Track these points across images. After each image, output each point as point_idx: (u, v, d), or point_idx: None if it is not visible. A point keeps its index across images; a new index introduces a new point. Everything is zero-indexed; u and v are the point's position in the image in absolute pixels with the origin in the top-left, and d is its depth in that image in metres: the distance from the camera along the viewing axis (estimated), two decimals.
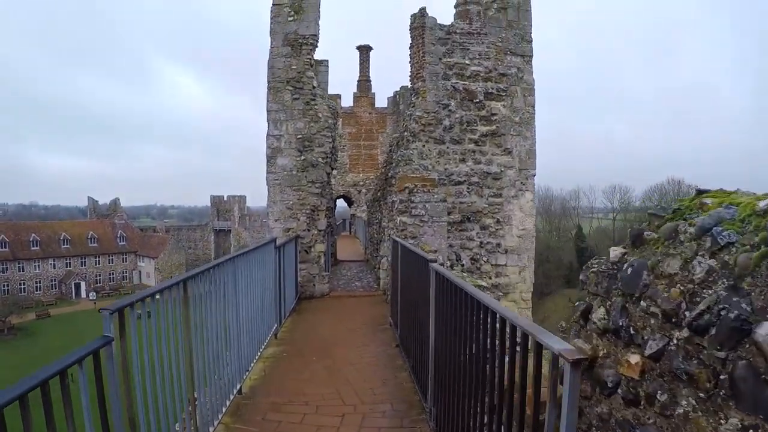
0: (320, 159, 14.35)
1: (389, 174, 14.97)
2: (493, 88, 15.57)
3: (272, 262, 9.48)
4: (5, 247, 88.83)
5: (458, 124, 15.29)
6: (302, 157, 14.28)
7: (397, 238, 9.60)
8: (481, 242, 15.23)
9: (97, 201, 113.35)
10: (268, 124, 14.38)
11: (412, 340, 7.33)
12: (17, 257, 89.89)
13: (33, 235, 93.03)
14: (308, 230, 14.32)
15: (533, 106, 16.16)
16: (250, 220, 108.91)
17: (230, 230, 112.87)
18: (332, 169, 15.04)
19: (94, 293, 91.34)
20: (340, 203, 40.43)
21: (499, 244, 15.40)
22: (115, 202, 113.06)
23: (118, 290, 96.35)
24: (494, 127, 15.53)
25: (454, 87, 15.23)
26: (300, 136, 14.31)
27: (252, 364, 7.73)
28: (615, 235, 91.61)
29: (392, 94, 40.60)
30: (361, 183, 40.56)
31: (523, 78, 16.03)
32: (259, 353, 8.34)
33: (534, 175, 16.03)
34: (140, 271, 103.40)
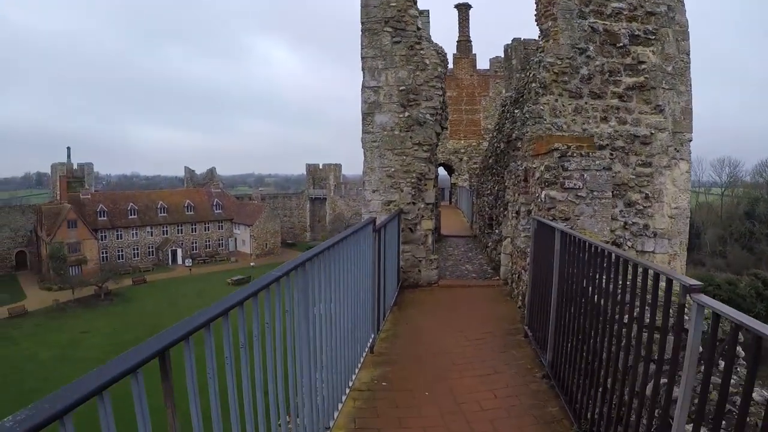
0: (428, 115, 11.60)
1: (513, 135, 12.15)
2: (639, 30, 12.34)
3: (370, 253, 6.96)
4: (104, 216, 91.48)
5: (599, 73, 12.16)
6: (406, 114, 11.60)
7: (547, 221, 6.80)
8: (625, 223, 12.03)
9: (194, 171, 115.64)
10: (363, 73, 11.78)
11: (580, 377, 4.89)
12: (115, 225, 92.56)
13: (131, 204, 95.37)
14: (413, 203, 11.69)
15: (688, 54, 12.77)
16: (346, 188, 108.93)
17: (326, 198, 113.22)
18: (443, 128, 12.13)
19: (190, 260, 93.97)
20: (440, 171, 37.87)
21: (646, 226, 12.12)
22: (211, 172, 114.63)
23: (213, 257, 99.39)
24: (642, 78, 12.26)
25: (592, 27, 12.10)
26: (403, 87, 11.61)
27: (338, 411, 5.25)
28: (722, 211, 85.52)
29: (503, 49, 37.54)
30: (463, 150, 37.95)
31: (675, 18, 12.66)
32: (349, 385, 5.89)
33: (690, 140, 12.68)
34: (236, 239, 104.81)
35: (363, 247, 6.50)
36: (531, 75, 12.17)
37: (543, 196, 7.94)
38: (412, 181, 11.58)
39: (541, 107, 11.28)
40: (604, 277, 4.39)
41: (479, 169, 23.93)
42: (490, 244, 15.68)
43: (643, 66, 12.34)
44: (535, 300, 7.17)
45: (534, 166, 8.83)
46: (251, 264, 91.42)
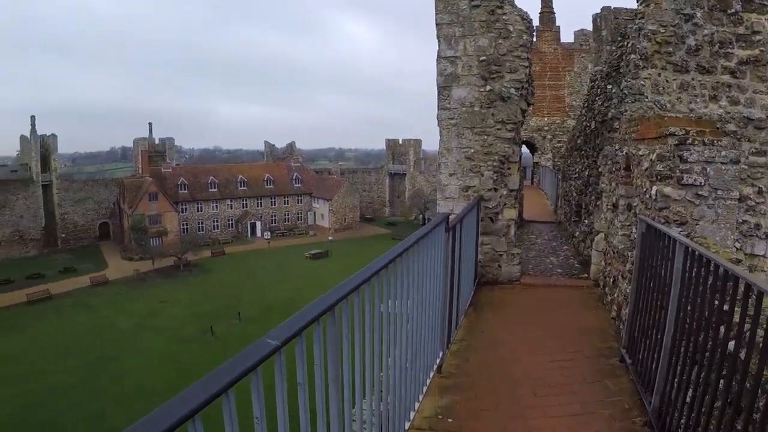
0: (512, 90, 10.11)
1: (608, 114, 10.67)
2: None
3: (441, 257, 5.77)
4: (185, 189, 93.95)
5: (707, 44, 10.46)
6: (487, 88, 10.15)
7: (660, 226, 5.37)
8: None
9: (274, 145, 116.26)
10: (439, 42, 10.42)
11: None
12: (196, 198, 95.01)
13: (211, 177, 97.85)
14: (494, 190, 10.29)
15: None
16: (426, 164, 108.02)
17: (405, 174, 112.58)
18: (528, 104, 10.61)
19: (269, 233, 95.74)
20: (523, 150, 36.12)
21: (758, 225, 10.36)
22: (291, 146, 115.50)
23: (292, 230, 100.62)
24: (756, 51, 10.45)
25: None
26: (483, 57, 10.16)
27: None
28: None
29: (592, 18, 35.30)
30: (546, 128, 36.03)
31: None
32: (410, 418, 4.78)
33: None
34: (314, 213, 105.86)
35: (432, 252, 5.33)
36: (629, 45, 10.58)
37: (654, 192, 6.39)
38: (494, 164, 10.18)
39: (642, 82, 9.82)
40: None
41: (565, 149, 22.28)
42: (577, 234, 14.16)
43: (758, 37, 10.56)
44: (638, 322, 5.79)
45: (640, 153, 7.29)
46: (329, 238, 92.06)
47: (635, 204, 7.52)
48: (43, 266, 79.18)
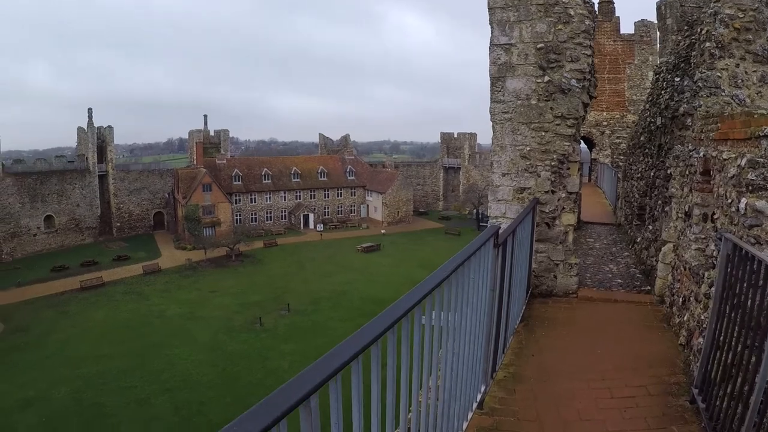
0: (573, 81, 9.05)
1: (679, 110, 9.62)
2: None
3: (488, 277, 4.89)
4: (239, 181, 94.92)
5: None
6: (545, 78, 9.12)
7: (754, 251, 4.34)
8: None
9: (329, 137, 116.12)
10: (492, 28, 9.40)
11: None
12: (250, 190, 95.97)
13: (265, 169, 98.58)
14: (552, 192, 9.26)
15: None
16: (480, 158, 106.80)
17: (460, 168, 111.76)
18: (591, 97, 9.48)
19: (322, 225, 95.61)
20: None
21: None
22: (346, 138, 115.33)
23: (344, 223, 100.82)
24: None
25: None
26: (541, 45, 9.11)
27: None
28: None
29: (656, 6, 33.60)
30: (605, 123, 34.59)
31: None
32: None
33: None
34: (368, 205, 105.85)
35: (477, 272, 4.49)
36: (703, 32, 9.48)
37: (743, 205, 5.22)
38: (552, 163, 9.14)
39: (718, 74, 8.79)
40: None
41: (627, 147, 21.04)
42: (639, 239, 12.97)
43: None
44: (716, 360, 4.82)
45: (723, 156, 6.21)
46: (382, 231, 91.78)
47: (715, 216, 6.44)
48: (98, 254, 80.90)
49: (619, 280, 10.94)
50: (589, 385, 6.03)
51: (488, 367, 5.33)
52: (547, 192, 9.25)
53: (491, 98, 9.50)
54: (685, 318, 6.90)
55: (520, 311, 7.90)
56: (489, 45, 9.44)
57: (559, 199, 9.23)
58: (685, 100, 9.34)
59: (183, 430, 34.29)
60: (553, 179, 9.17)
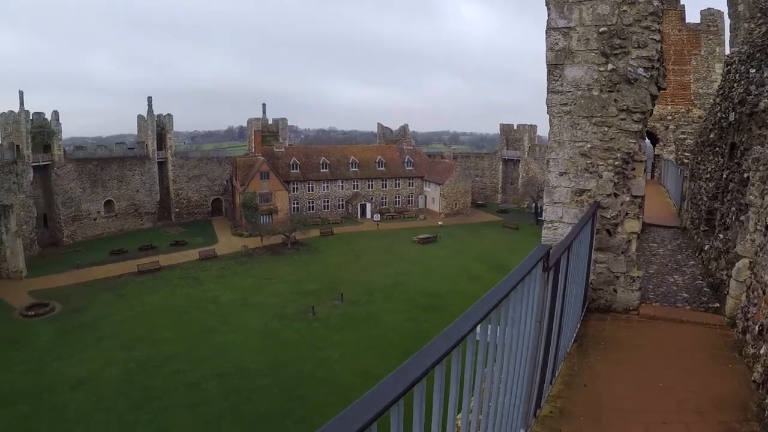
0: (641, 70, 7.90)
1: (759, 105, 8.50)
2: None
3: (533, 306, 4.05)
4: (296, 169, 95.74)
5: None
6: (609, 66, 8.00)
7: None
8: None
9: (388, 127, 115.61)
10: (548, 9, 8.34)
11: None
12: (307, 178, 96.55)
13: (323, 158, 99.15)
14: (614, 195, 8.17)
15: None
16: (540, 150, 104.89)
17: (519, 160, 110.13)
18: (660, 88, 8.31)
19: (378, 215, 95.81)
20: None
21: None
22: (404, 128, 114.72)
23: (401, 213, 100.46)
24: None
25: None
26: (604, 28, 7.96)
27: None
28: None
29: None
30: (669, 117, 32.93)
31: None
32: None
33: None
34: (425, 196, 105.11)
35: (520, 305, 3.69)
36: None
37: None
38: (616, 163, 8.01)
39: None
40: None
41: (695, 144, 19.66)
42: (707, 248, 11.66)
43: None
44: None
45: None
46: (439, 223, 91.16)
47: None
48: (156, 239, 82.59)
49: (685, 294, 9.75)
50: (647, 429, 5.10)
51: (529, 408, 4.47)
52: (609, 195, 8.13)
53: (548, 88, 8.44)
54: (762, 351, 5.85)
55: (574, 330, 6.97)
56: (545, 29, 8.40)
57: (622, 204, 8.12)
58: (766, 94, 8.25)
59: (230, 417, 34.33)
60: (616, 181, 8.07)
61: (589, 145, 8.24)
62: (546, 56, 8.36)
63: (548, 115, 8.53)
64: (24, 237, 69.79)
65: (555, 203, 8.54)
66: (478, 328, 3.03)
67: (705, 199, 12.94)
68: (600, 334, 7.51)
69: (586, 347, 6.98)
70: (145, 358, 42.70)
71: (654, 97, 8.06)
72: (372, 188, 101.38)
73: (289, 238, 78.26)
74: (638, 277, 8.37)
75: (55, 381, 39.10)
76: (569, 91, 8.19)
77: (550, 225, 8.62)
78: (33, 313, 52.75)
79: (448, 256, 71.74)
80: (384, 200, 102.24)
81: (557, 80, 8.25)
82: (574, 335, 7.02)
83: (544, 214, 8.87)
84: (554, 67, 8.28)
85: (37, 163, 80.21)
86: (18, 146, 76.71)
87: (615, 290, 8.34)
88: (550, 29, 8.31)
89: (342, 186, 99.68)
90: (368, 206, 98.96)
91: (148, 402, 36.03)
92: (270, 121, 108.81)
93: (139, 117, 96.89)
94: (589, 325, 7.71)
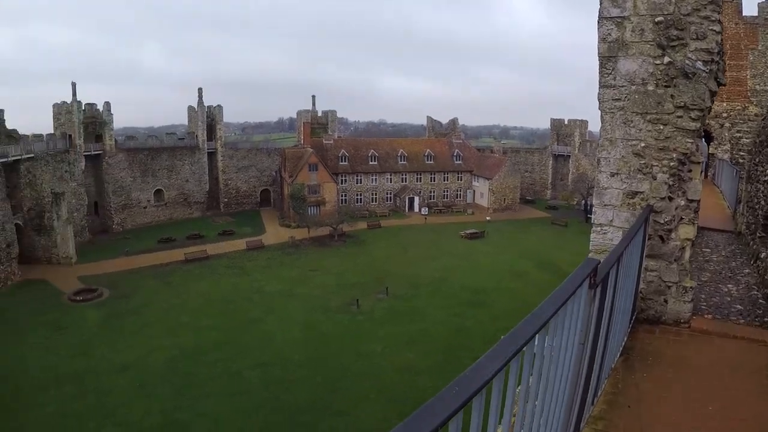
0: (699, 63, 7.23)
1: None
2: None
3: (576, 329, 3.64)
4: (345, 161, 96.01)
5: None
6: (665, 59, 7.35)
7: None
8: None
9: (438, 121, 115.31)
10: None
11: None
12: (356, 170, 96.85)
13: (372, 150, 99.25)
14: (669, 199, 7.53)
15: None
16: (591, 146, 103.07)
17: (569, 156, 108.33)
18: (719, 84, 7.62)
19: (426, 208, 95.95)
20: None
21: None
22: (454, 122, 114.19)
23: (450, 208, 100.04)
24: None
25: None
26: (660, 18, 7.31)
27: None
28: None
29: None
30: (725, 114, 31.68)
31: None
32: None
33: None
34: (474, 191, 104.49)
35: (562, 327, 3.34)
36: None
37: None
38: (671, 164, 7.38)
39: None
40: None
41: (752, 143, 18.69)
42: (763, 255, 10.88)
43: None
44: None
45: None
46: (487, 218, 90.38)
47: None
48: (204, 228, 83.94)
49: (739, 306, 9.02)
50: None
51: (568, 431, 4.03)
52: (663, 198, 7.52)
53: (600, 82, 7.86)
54: None
55: (621, 344, 6.47)
56: (597, 18, 7.81)
57: (676, 208, 7.49)
58: None
59: (270, 407, 34.52)
60: (671, 183, 7.45)
61: (642, 144, 7.63)
62: (598, 48, 7.78)
63: (600, 111, 7.95)
64: (75, 224, 71.75)
65: (605, 205, 7.96)
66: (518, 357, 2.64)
67: (763, 203, 12.17)
68: (647, 348, 6.95)
69: (632, 362, 6.45)
70: (189, 345, 43.29)
71: (713, 94, 7.43)
72: (420, 182, 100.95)
73: (336, 230, 78.34)
74: (691, 287, 7.74)
75: (101, 365, 39.95)
76: (622, 86, 7.59)
77: (599, 228, 8.07)
78: (81, 298, 54.03)
79: (495, 252, 70.98)
80: (432, 194, 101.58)
81: (610, 74, 7.65)
82: (621, 347, 6.52)
83: (593, 216, 8.29)
84: (607, 60, 7.68)
85: (89, 153, 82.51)
86: (70, 136, 78.99)
87: (666, 301, 7.74)
88: (602, 19, 7.70)
89: (390, 179, 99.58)
90: (416, 200, 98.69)
91: (190, 389, 36.53)
92: (319, 113, 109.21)
93: (190, 108, 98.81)
94: (636, 338, 7.17)
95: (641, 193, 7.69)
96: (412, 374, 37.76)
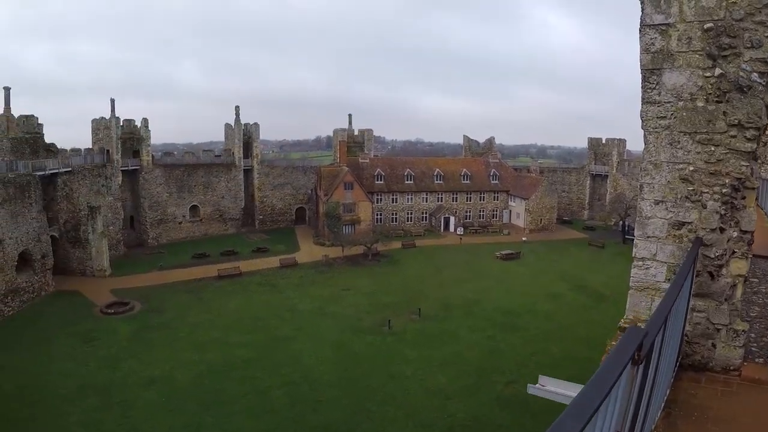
0: (755, 75, 6.28)
1: None
2: None
3: (613, 414, 2.85)
4: (381, 180, 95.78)
5: None
6: (716, 71, 6.40)
7: None
8: None
9: (474, 140, 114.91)
10: (643, 3, 6.82)
11: None
12: (391, 189, 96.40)
13: (407, 169, 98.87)
14: (720, 230, 6.58)
15: None
16: (629, 166, 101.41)
17: (607, 175, 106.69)
18: None
19: (462, 228, 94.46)
20: None
21: None
22: (490, 141, 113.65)
23: (485, 228, 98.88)
24: None
25: None
26: (709, 24, 6.38)
27: None
28: None
29: None
30: None
31: None
32: None
33: None
34: (510, 211, 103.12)
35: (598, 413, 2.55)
36: None
37: None
38: (723, 190, 6.45)
39: None
40: None
41: None
42: None
43: None
44: None
45: None
46: (523, 239, 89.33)
47: None
48: (239, 244, 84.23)
49: None
50: None
51: None
52: (713, 230, 6.60)
53: (642, 98, 6.98)
54: None
55: (663, 397, 5.63)
56: (639, 26, 6.93)
57: (728, 240, 6.55)
58: None
59: (295, 427, 34.15)
60: (723, 212, 6.46)
61: (691, 168, 6.72)
62: (640, 59, 6.90)
63: (643, 131, 7.05)
64: (110, 237, 72.79)
65: (648, 237, 7.03)
66: None
67: None
68: (692, 400, 6.04)
69: (675, 419, 5.57)
70: (217, 361, 43.13)
71: None
72: (456, 201, 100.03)
73: (371, 249, 77.87)
74: (743, 331, 6.71)
75: (128, 378, 40.16)
76: (668, 102, 6.68)
77: (641, 264, 7.16)
78: (113, 311, 54.56)
79: (530, 273, 69.79)
80: (468, 214, 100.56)
81: (654, 88, 6.76)
82: (664, 399, 5.69)
83: (634, 249, 7.33)
84: (650, 73, 6.79)
85: (126, 168, 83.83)
86: (108, 151, 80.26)
87: (714, 345, 6.76)
88: (644, 27, 6.83)
89: (426, 198, 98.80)
90: (452, 219, 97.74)
91: (216, 406, 36.30)
92: (356, 132, 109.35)
93: (227, 125, 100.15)
94: (680, 388, 6.26)
95: (689, 223, 6.80)
96: (442, 398, 36.96)
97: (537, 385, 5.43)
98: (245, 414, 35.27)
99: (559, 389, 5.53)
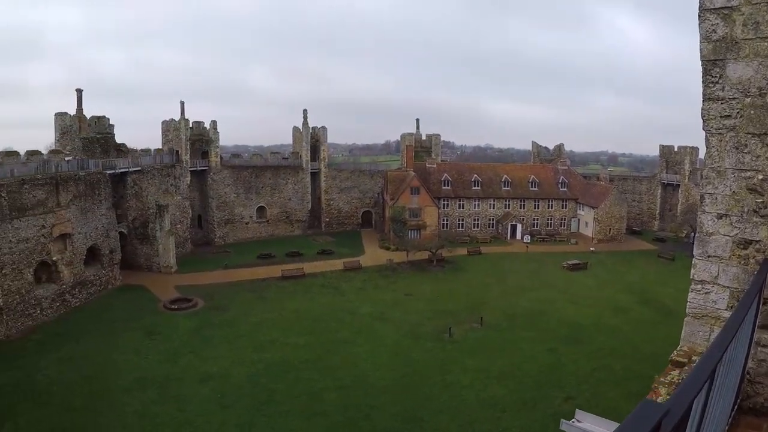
0: None
1: None
2: None
3: None
4: (448, 186, 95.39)
5: None
6: None
7: None
8: None
9: (547, 147, 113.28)
10: None
11: None
12: (458, 195, 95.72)
13: (475, 175, 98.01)
14: None
15: None
16: (702, 175, 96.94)
17: (678, 185, 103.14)
18: None
19: (529, 236, 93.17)
20: None
21: None
22: (560, 148, 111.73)
23: (553, 236, 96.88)
24: None
25: None
26: None
27: None
28: None
29: None
30: None
31: None
32: None
33: None
34: (579, 220, 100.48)
35: None
36: None
37: None
38: None
39: None
40: None
41: None
42: None
43: None
44: None
45: None
46: (591, 249, 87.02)
47: None
48: (304, 246, 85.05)
49: None
50: None
51: None
52: None
53: (703, 94, 5.97)
54: None
55: None
56: (698, 10, 5.89)
57: None
58: None
59: (345, 431, 34.02)
60: None
61: (761, 177, 5.69)
62: (700, 49, 5.88)
63: (704, 131, 6.05)
64: (177, 235, 74.72)
65: (709, 257, 6.00)
66: None
67: None
68: None
69: None
70: (274, 361, 43.39)
71: None
72: (524, 208, 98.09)
73: (435, 254, 76.99)
74: None
75: (185, 373, 40.94)
76: (733, 98, 5.65)
77: (700, 287, 6.12)
78: (176, 306, 55.86)
79: (597, 285, 67.71)
80: (535, 222, 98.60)
81: (716, 82, 5.76)
82: None
83: (692, 270, 6.28)
84: (711, 65, 5.79)
85: (195, 168, 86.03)
86: (177, 151, 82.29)
87: None
88: (704, 11, 5.81)
89: (493, 204, 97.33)
90: (519, 227, 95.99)
91: (269, 405, 36.49)
92: (423, 137, 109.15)
93: (294, 128, 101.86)
94: None
95: (757, 242, 5.75)
96: (497, 410, 35.93)
97: (572, 420, 4.60)
98: (297, 415, 35.25)
99: (595, 427, 4.70)
